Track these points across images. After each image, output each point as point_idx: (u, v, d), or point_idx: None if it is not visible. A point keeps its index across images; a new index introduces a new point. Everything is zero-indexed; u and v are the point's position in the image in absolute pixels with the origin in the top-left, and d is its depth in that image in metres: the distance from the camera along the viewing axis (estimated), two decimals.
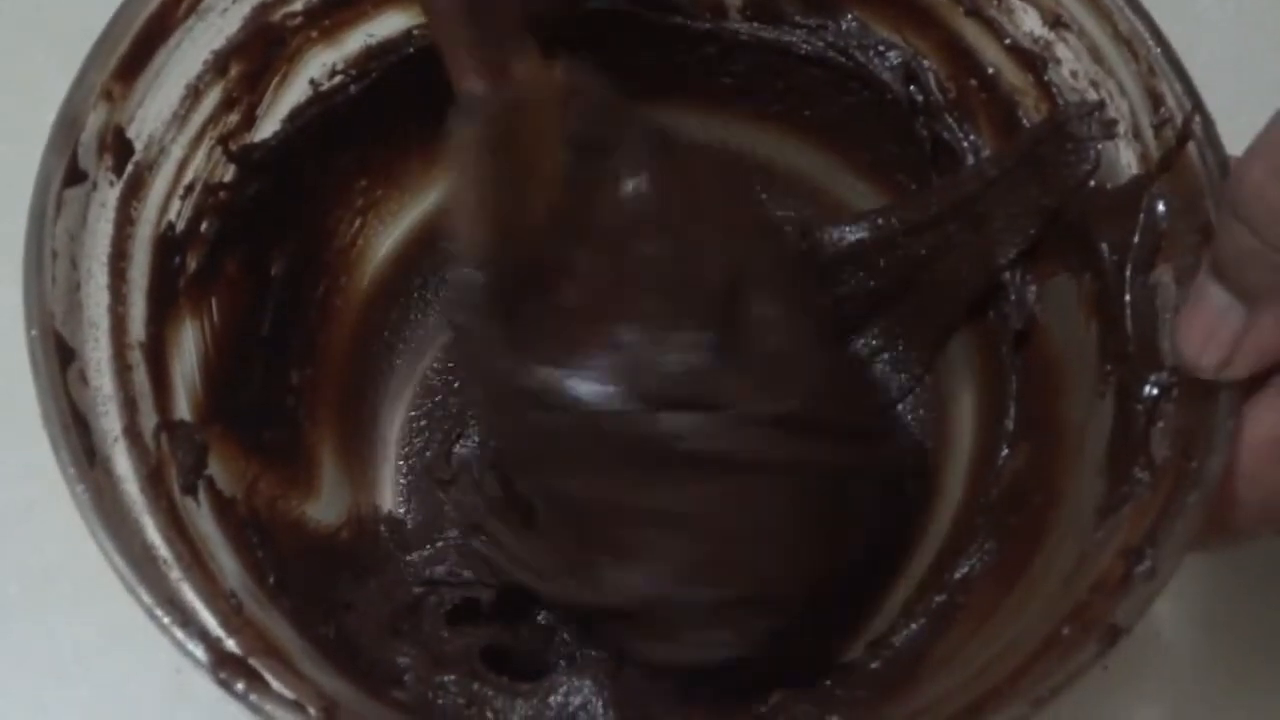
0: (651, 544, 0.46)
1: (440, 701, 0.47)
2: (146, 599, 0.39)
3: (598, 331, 0.45)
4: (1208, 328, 0.40)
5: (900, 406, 0.56)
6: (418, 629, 0.51)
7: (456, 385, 0.58)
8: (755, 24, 0.54)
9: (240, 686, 0.38)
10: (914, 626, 0.49)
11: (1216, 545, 0.43)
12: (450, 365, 0.58)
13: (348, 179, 0.55)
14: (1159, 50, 0.44)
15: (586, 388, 0.44)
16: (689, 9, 0.54)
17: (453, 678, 0.48)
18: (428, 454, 0.57)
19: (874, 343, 0.56)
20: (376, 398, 0.57)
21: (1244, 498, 0.41)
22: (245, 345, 0.51)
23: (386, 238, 0.58)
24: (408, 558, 0.53)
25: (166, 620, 0.39)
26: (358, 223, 0.56)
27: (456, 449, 0.57)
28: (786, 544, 0.47)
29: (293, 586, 0.46)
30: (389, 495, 0.56)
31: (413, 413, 0.58)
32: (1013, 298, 0.51)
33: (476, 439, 0.57)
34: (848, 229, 0.53)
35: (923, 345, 0.55)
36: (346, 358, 0.56)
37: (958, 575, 0.49)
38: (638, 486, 0.45)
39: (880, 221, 0.52)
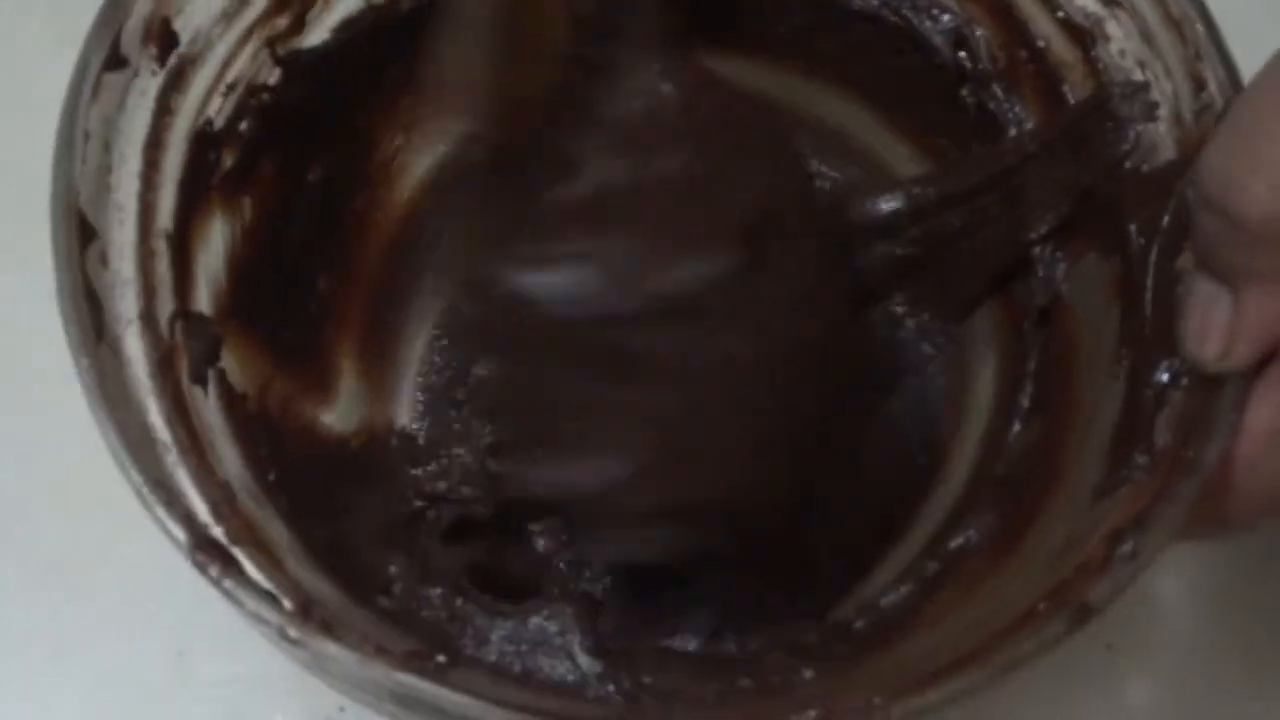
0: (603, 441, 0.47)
1: (423, 614, 0.48)
2: (136, 477, 0.39)
3: (598, 229, 0.46)
4: (1202, 319, 0.40)
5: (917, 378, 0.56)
6: (412, 541, 0.51)
7: None
8: None
9: (215, 571, 0.39)
10: (902, 590, 0.49)
11: (1214, 534, 0.43)
12: None
13: (394, 95, 0.55)
14: (1206, 34, 0.44)
15: (581, 277, 0.46)
16: None
17: (438, 591, 0.48)
18: (447, 373, 0.57)
19: (899, 310, 0.56)
20: (403, 313, 0.58)
21: (1242, 486, 0.40)
22: (275, 246, 0.51)
23: (429, 156, 0.57)
24: (412, 471, 0.54)
25: (151, 498, 0.39)
26: (400, 139, 0.56)
27: (476, 370, 0.57)
28: (732, 462, 0.48)
29: (292, 486, 0.47)
30: (405, 410, 0.57)
31: (436, 332, 0.58)
32: (1040, 274, 0.50)
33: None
34: (883, 198, 0.52)
35: (947, 315, 0.55)
36: (377, 270, 0.57)
37: (953, 545, 0.49)
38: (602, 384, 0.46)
39: (916, 191, 0.51)
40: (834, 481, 0.54)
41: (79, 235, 0.42)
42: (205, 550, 0.39)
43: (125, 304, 0.44)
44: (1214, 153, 0.38)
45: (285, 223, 0.52)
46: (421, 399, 0.57)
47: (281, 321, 0.52)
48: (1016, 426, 0.50)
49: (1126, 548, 0.39)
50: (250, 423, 0.47)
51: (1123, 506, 0.41)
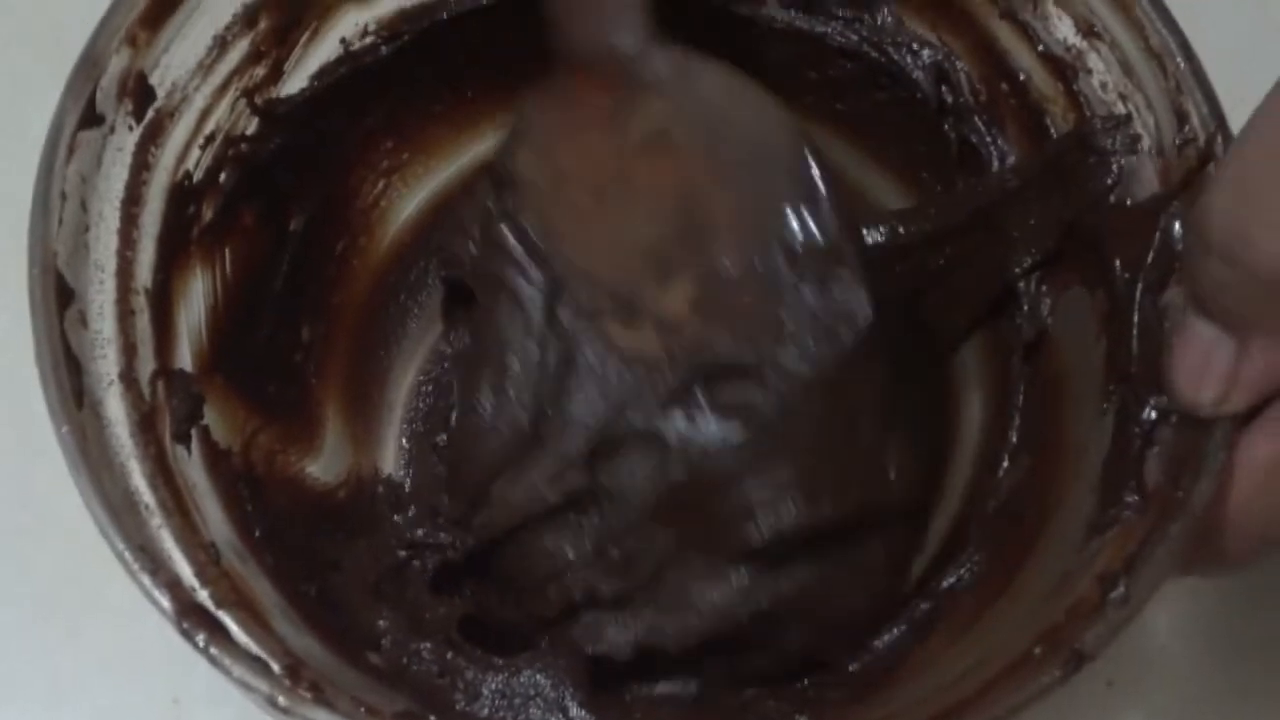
0: None
1: (414, 668, 0.47)
2: (119, 545, 0.39)
3: None
4: (1199, 363, 0.40)
5: None
6: (401, 594, 0.51)
7: None
8: (793, 13, 0.53)
9: (202, 639, 0.39)
10: (896, 631, 0.48)
11: (1209, 572, 0.43)
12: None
13: (374, 140, 0.55)
14: (1187, 67, 0.43)
15: None
16: None
17: (429, 646, 0.48)
18: (432, 419, 0.57)
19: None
20: (387, 360, 0.57)
21: (1237, 527, 0.40)
22: (257, 298, 0.51)
23: (410, 200, 0.57)
24: (394, 518, 0.53)
25: (136, 566, 0.39)
26: (381, 184, 0.56)
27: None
28: None
29: (279, 542, 0.46)
30: (391, 459, 0.56)
31: (421, 378, 0.58)
32: (1026, 308, 0.50)
33: None
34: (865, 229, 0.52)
35: (932, 352, 0.54)
36: (360, 318, 0.56)
37: (945, 584, 0.48)
38: None
39: (900, 230, 0.51)
40: None
41: (57, 298, 0.42)
42: (191, 617, 0.39)
43: (106, 364, 0.43)
44: (1220, 201, 0.37)
45: (266, 273, 0.52)
46: (407, 446, 0.57)
47: (265, 374, 0.51)
48: (1005, 463, 0.50)
49: (1119, 591, 0.39)
50: (235, 479, 0.47)
51: (1113, 547, 0.41)
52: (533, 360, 0.49)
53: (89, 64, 0.45)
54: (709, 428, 0.48)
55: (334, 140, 0.54)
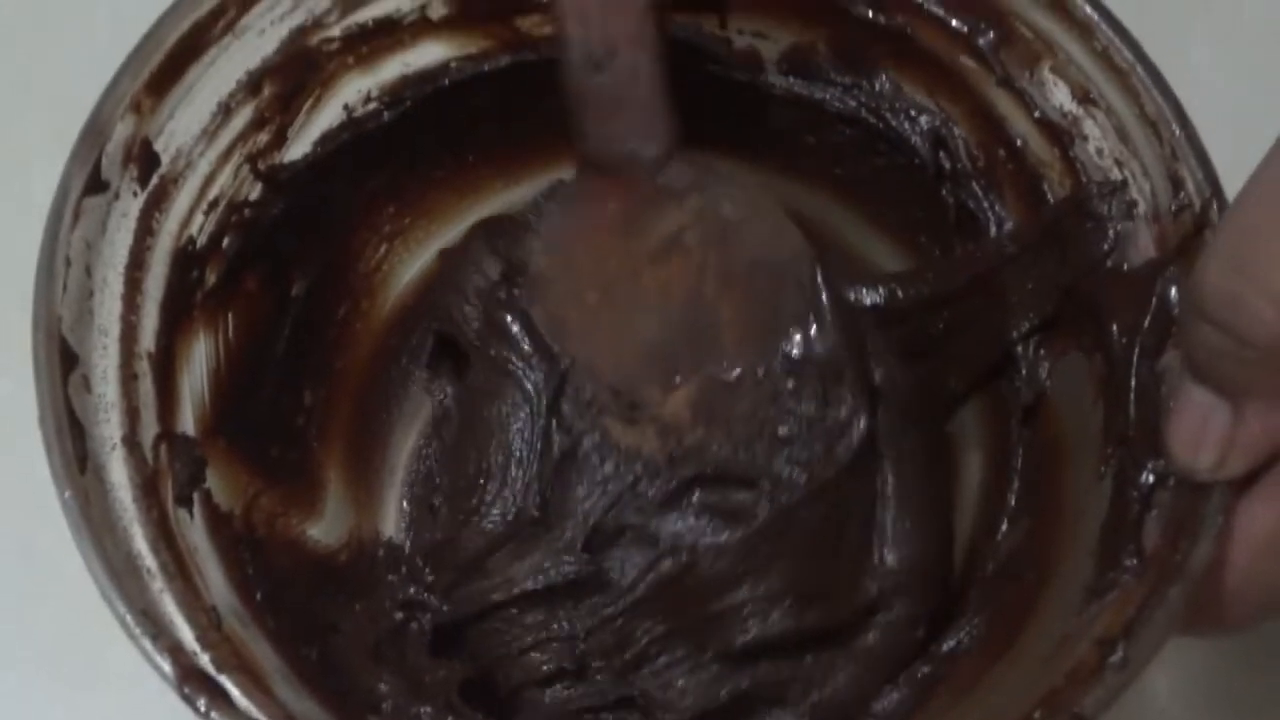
0: None
1: None
2: (121, 609, 0.40)
3: None
4: (1196, 428, 0.40)
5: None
6: (401, 657, 0.51)
7: None
8: (791, 79, 0.54)
9: (203, 704, 0.39)
10: (896, 696, 0.48)
11: (1211, 635, 0.43)
12: None
13: (376, 205, 0.56)
14: (1182, 133, 0.44)
15: None
16: (727, 60, 0.54)
17: (429, 709, 0.48)
18: (431, 481, 0.57)
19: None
20: (389, 423, 0.57)
21: (1239, 592, 0.40)
22: (259, 362, 0.51)
23: (412, 264, 0.58)
24: (390, 579, 0.54)
25: (137, 630, 0.39)
26: (384, 248, 0.57)
27: None
28: None
29: (280, 605, 0.46)
30: (392, 522, 0.56)
31: (422, 441, 0.58)
32: (1024, 371, 0.50)
33: None
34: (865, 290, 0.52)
35: (931, 415, 0.54)
36: (362, 381, 0.56)
37: (945, 648, 0.48)
38: None
39: (899, 293, 0.51)
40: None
41: (61, 363, 0.43)
42: (193, 681, 0.39)
43: (109, 428, 0.44)
44: (1214, 271, 0.38)
45: (269, 338, 0.52)
46: (408, 509, 0.57)
47: (267, 437, 0.52)
48: (1004, 525, 0.50)
49: (1118, 655, 0.39)
50: (236, 542, 0.47)
51: (1112, 610, 0.41)
52: (535, 447, 0.50)
53: (94, 131, 0.45)
54: (702, 531, 0.50)
55: (336, 205, 0.54)
